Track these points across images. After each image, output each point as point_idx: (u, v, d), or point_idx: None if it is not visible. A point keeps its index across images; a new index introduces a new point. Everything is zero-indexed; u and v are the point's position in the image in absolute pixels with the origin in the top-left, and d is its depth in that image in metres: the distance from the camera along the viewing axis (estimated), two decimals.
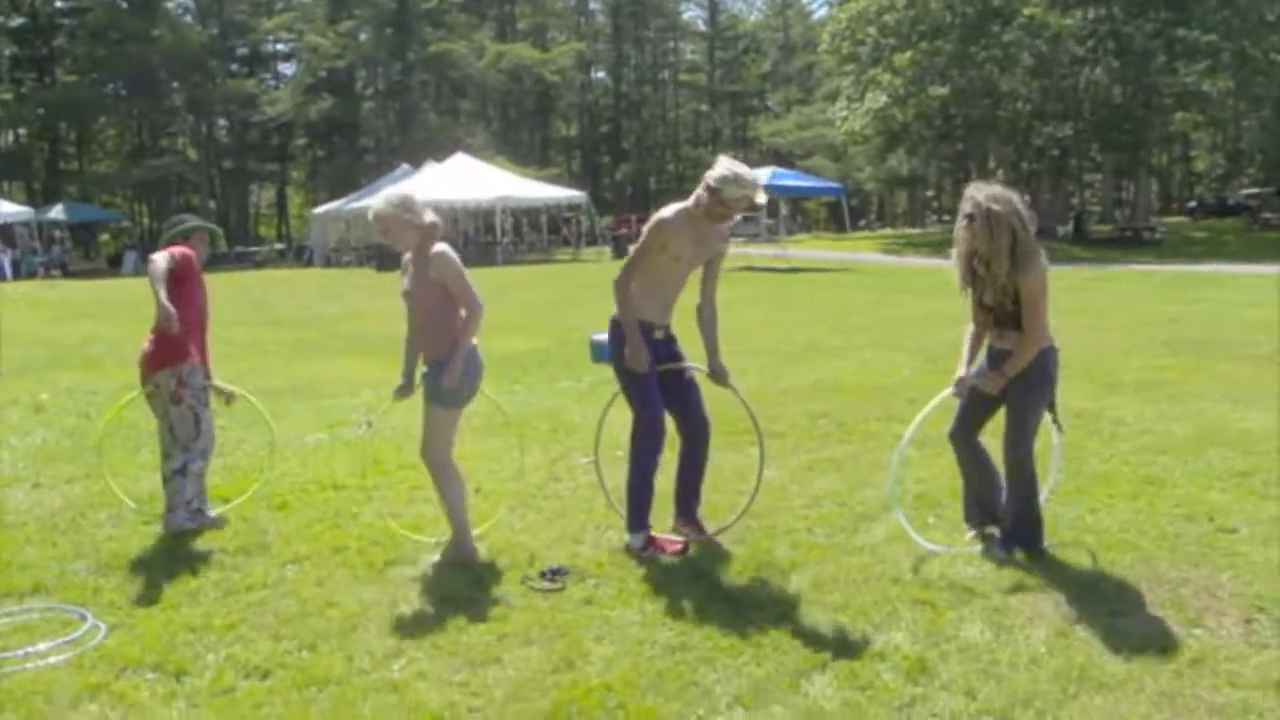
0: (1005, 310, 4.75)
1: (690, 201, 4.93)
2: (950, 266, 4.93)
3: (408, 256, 5.04)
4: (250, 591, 4.57)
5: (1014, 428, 4.89)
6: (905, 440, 4.90)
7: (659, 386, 5.03)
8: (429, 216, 4.96)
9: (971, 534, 5.09)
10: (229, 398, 5.87)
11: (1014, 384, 4.80)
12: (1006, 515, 4.94)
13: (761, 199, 4.85)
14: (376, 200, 5.03)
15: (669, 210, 4.96)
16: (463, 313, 4.84)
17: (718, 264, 5.19)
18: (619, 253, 36.50)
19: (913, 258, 34.52)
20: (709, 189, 4.82)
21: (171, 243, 5.50)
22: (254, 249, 47.01)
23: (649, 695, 3.55)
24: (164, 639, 4.04)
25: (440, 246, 4.90)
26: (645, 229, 4.99)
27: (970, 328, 5.02)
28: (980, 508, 5.12)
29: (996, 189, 4.67)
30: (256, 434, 7.60)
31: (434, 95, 61.44)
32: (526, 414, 8.31)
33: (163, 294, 5.17)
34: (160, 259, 5.25)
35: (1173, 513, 5.43)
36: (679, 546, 5.07)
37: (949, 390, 4.96)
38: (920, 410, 5.02)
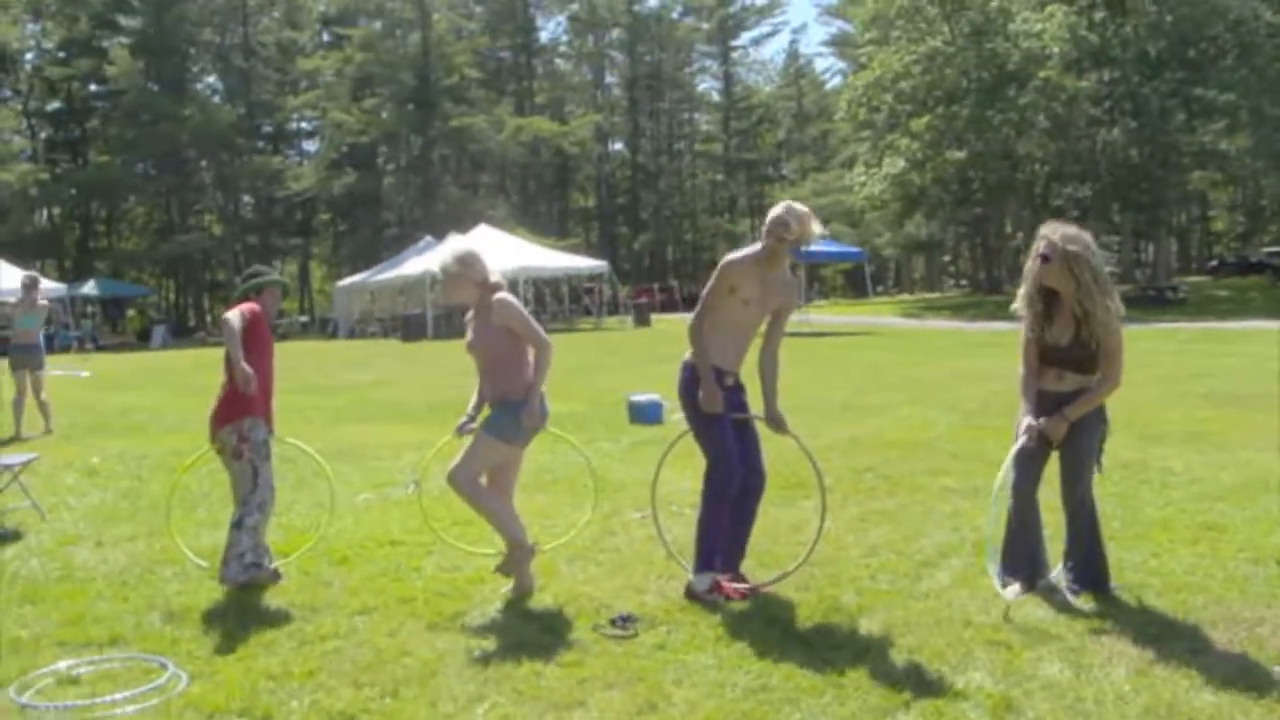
0: (1082, 350, 4.70)
1: (758, 248, 5.10)
2: (1014, 307, 4.94)
3: (470, 314, 5.24)
4: (324, 641, 4.60)
5: (1073, 470, 4.88)
6: (997, 489, 4.84)
7: None
8: (494, 277, 5.19)
9: (1015, 587, 4.93)
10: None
11: (1072, 427, 4.80)
12: (1073, 558, 4.94)
13: (819, 229, 5.07)
14: (442, 256, 5.30)
15: (736, 253, 5.14)
16: (532, 355, 5.01)
17: (784, 317, 5.32)
18: (640, 321, 36.71)
19: (934, 320, 34.62)
20: (768, 230, 5.03)
21: (244, 297, 5.63)
22: (278, 321, 47.46)
23: None
24: (246, 686, 4.07)
25: (501, 294, 5.17)
26: (714, 272, 5.14)
27: (1022, 372, 4.95)
28: (1031, 564, 5.04)
29: (1071, 229, 4.72)
30: (308, 494, 7.70)
31: (455, 169, 62.37)
32: (572, 473, 8.36)
33: (240, 355, 5.27)
34: (234, 319, 5.36)
35: (1237, 556, 5.43)
36: (744, 592, 5.08)
37: (1023, 439, 4.83)
38: (1000, 463, 4.93)
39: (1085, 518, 4.91)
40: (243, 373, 5.26)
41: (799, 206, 5.05)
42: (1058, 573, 5.01)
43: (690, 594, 5.05)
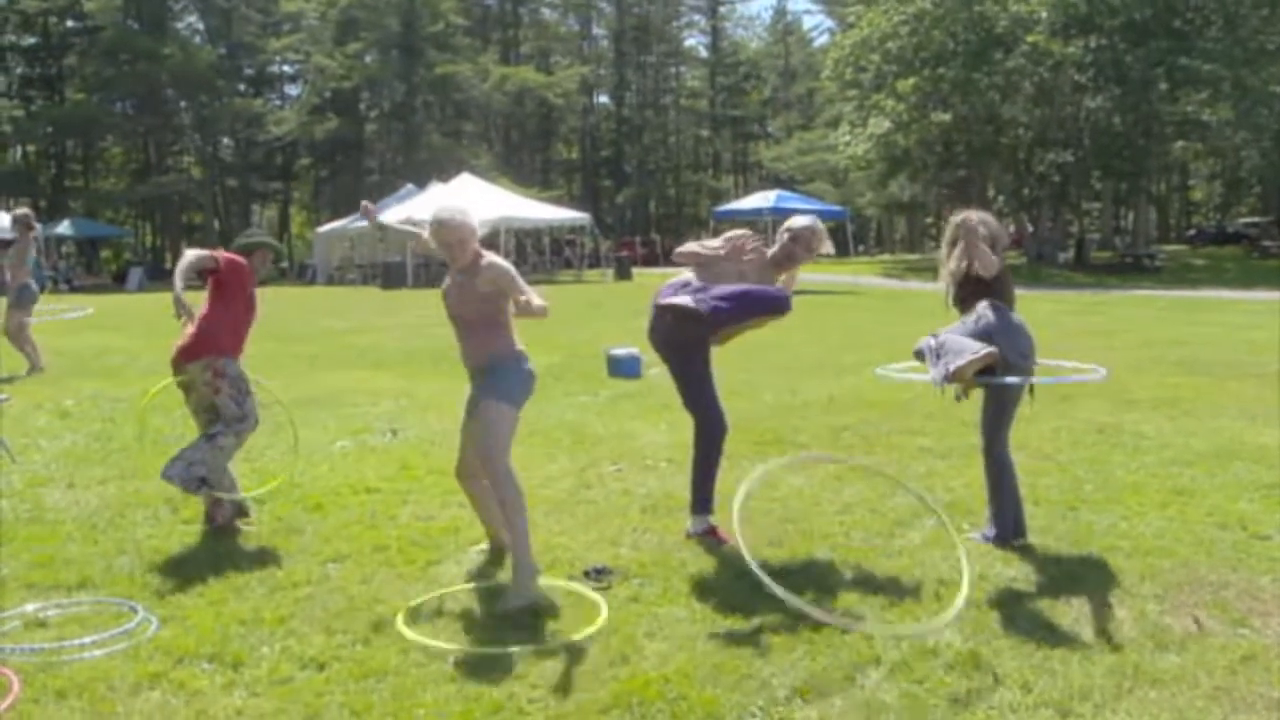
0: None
1: (776, 249, 5.49)
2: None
3: (448, 281, 4.86)
4: (296, 588, 4.59)
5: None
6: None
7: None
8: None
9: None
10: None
11: None
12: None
13: (829, 248, 5.55)
14: (442, 211, 4.81)
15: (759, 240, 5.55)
16: (534, 302, 4.62)
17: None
18: (621, 275, 36.57)
19: (914, 282, 34.61)
20: (794, 238, 5.42)
21: (237, 253, 5.64)
22: None
23: (707, 687, 3.58)
24: (216, 631, 4.07)
25: (491, 256, 4.75)
26: (728, 237, 5.49)
27: None
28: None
29: (980, 217, 5.19)
30: (281, 439, 7.62)
31: (438, 117, 61.64)
32: (548, 425, 8.35)
33: (178, 283, 5.15)
34: (190, 253, 5.36)
35: (1205, 521, 5.48)
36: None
37: None
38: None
39: (990, 469, 5.18)
40: (175, 297, 5.13)
41: (820, 224, 5.52)
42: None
43: (689, 535, 5.28)
